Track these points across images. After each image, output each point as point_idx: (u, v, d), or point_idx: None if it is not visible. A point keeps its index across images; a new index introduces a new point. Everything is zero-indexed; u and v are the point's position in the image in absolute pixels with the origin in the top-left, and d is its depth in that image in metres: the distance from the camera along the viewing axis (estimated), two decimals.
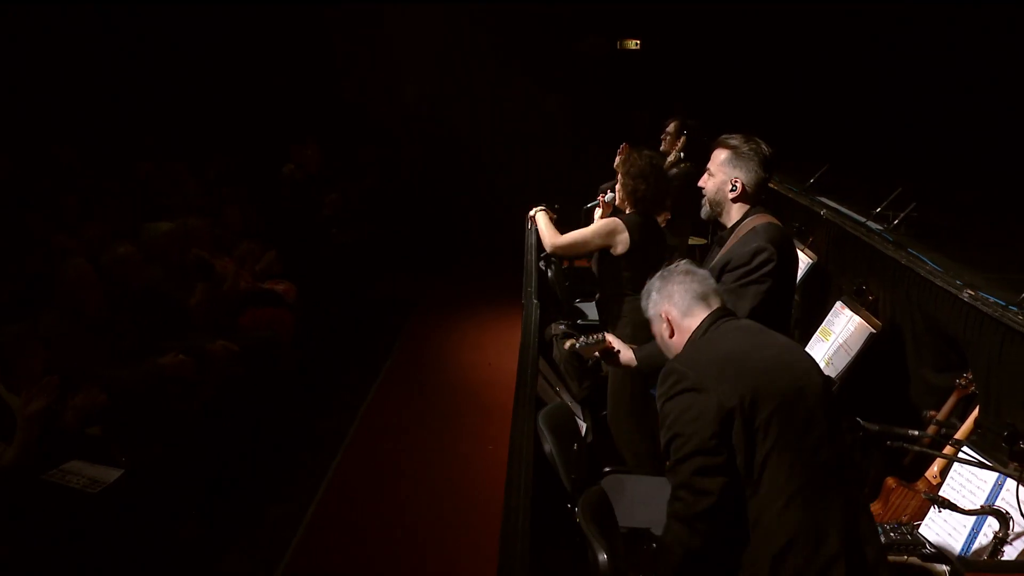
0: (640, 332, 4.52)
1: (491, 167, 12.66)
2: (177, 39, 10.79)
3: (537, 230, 5.46)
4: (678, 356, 2.87)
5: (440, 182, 12.39)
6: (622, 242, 4.82)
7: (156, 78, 10.54)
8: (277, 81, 11.78)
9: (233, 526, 5.05)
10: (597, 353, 3.96)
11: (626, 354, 3.88)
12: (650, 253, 4.85)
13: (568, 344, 4.02)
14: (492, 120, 12.75)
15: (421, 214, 11.59)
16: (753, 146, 3.77)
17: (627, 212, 4.97)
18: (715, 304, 2.92)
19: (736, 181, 3.76)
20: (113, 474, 4.17)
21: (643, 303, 3.09)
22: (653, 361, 3.68)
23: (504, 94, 12.61)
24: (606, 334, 3.93)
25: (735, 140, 3.82)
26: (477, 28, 12.38)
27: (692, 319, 2.92)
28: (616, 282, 4.89)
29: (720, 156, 3.83)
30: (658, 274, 3.06)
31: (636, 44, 12.46)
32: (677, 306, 2.94)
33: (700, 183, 3.94)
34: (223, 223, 7.16)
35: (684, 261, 3.10)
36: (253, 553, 4.86)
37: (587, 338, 3.95)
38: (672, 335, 2.97)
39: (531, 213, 5.54)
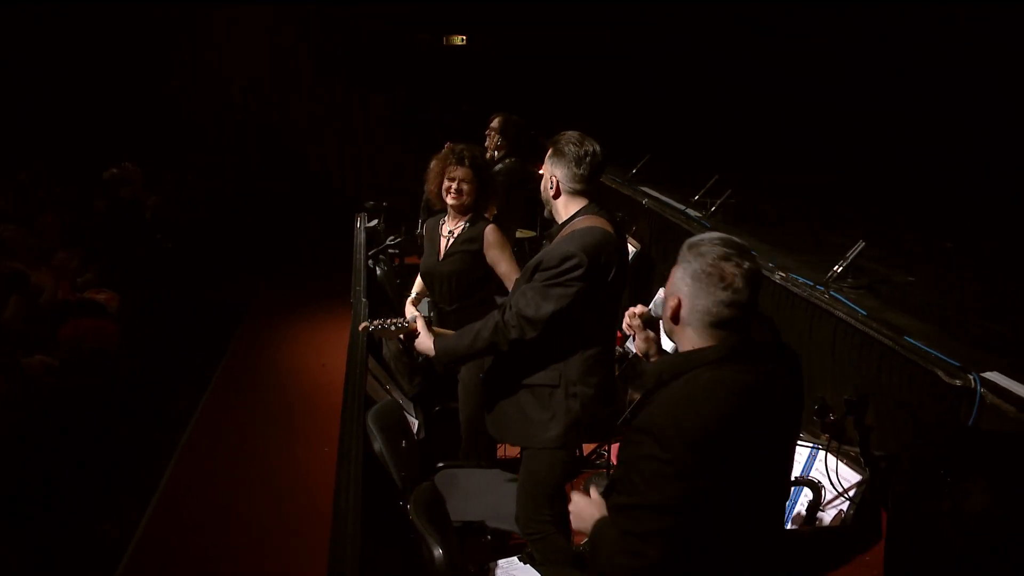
0: None
1: (318, 165, 12.57)
2: None
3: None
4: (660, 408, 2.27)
5: (267, 182, 12.22)
6: None
7: None
8: (96, 82, 11.39)
9: (60, 548, 4.84)
10: (402, 336, 3.88)
11: (425, 342, 3.72)
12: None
13: (362, 326, 3.91)
14: (319, 118, 12.65)
15: (249, 216, 11.39)
16: (571, 143, 3.64)
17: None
18: (730, 333, 2.31)
19: (553, 179, 3.67)
20: None
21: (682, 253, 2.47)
22: (451, 355, 3.67)
23: (331, 92, 12.53)
24: (418, 318, 3.79)
25: (558, 138, 3.69)
26: (303, 27, 12.27)
27: (701, 339, 2.35)
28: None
29: (547, 155, 3.73)
30: (697, 250, 2.38)
31: (462, 40, 12.55)
32: (697, 310, 2.34)
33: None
34: (39, 231, 6.87)
35: (722, 244, 2.35)
36: (83, 574, 4.69)
37: (384, 321, 3.86)
38: (677, 323, 2.42)
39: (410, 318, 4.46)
